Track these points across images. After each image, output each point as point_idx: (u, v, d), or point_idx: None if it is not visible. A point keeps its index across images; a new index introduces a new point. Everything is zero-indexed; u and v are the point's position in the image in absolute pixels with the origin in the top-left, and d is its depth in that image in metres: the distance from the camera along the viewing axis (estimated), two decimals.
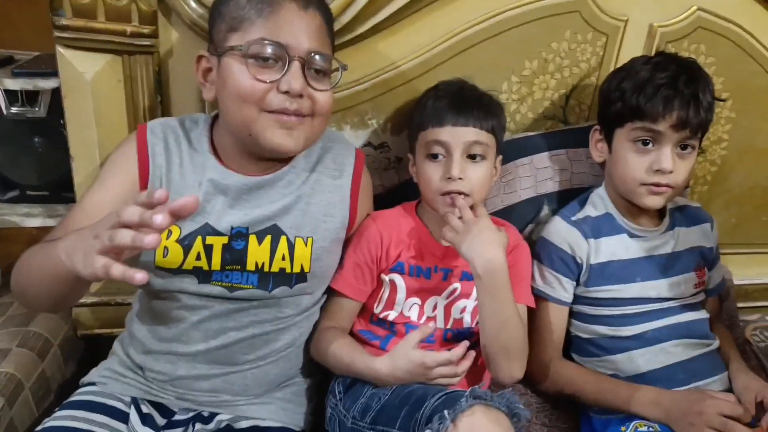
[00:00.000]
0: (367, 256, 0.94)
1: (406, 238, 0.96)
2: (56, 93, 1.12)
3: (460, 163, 0.90)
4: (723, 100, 1.15)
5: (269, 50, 0.78)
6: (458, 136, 0.90)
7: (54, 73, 1.10)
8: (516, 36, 1.08)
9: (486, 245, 0.85)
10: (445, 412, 0.69)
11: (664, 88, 0.92)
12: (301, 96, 0.79)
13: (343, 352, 0.88)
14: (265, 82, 0.78)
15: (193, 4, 0.92)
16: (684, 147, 0.95)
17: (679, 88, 0.92)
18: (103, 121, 0.99)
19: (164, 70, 0.99)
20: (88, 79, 0.96)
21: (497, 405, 0.71)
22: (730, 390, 0.98)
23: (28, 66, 1.18)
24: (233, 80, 0.79)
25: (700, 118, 0.93)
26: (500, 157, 0.99)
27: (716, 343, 1.04)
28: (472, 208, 0.89)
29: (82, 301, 1.08)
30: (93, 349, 1.13)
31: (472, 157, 0.91)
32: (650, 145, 0.95)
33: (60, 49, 0.95)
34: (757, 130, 1.30)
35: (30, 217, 1.19)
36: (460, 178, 0.89)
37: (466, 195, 0.90)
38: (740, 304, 1.49)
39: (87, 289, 0.94)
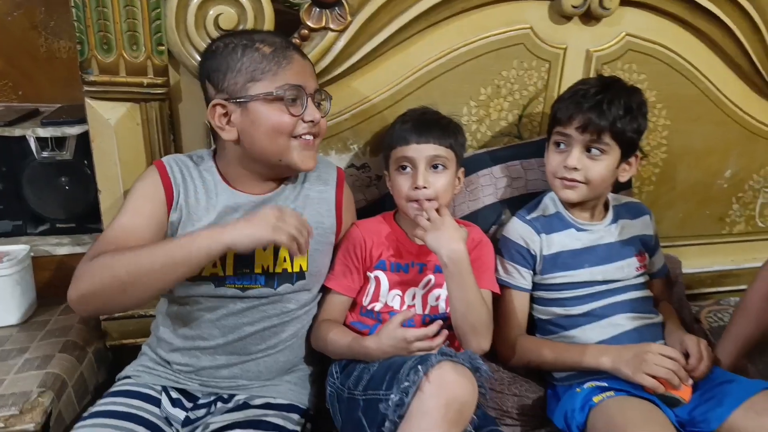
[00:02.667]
0: (354, 258, 1.11)
1: (385, 241, 1.14)
2: (80, 138, 1.31)
3: (424, 174, 1.08)
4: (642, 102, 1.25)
5: (294, 92, 0.98)
6: (421, 151, 1.09)
7: (78, 121, 1.29)
8: (471, 67, 1.27)
9: (450, 239, 1.03)
10: (419, 366, 0.86)
11: (577, 97, 1.11)
12: (317, 123, 1.01)
13: (339, 338, 1.05)
14: (295, 116, 0.98)
15: (197, 56, 1.10)
16: (591, 149, 1.11)
17: (588, 97, 1.10)
18: (124, 159, 1.17)
19: (175, 113, 1.18)
20: (112, 124, 1.14)
21: (461, 361, 0.88)
22: None
23: (54, 116, 1.37)
24: (268, 119, 0.97)
25: (603, 123, 1.08)
26: (462, 169, 1.17)
27: (659, 318, 1.20)
28: (437, 210, 1.07)
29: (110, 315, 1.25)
30: (120, 359, 1.28)
31: (434, 167, 1.09)
32: (562, 146, 1.14)
33: (88, 101, 1.13)
34: (690, 133, 1.48)
35: (60, 246, 1.37)
36: (425, 187, 1.07)
37: (432, 200, 1.08)
38: (697, 291, 1.67)
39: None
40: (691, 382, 1.05)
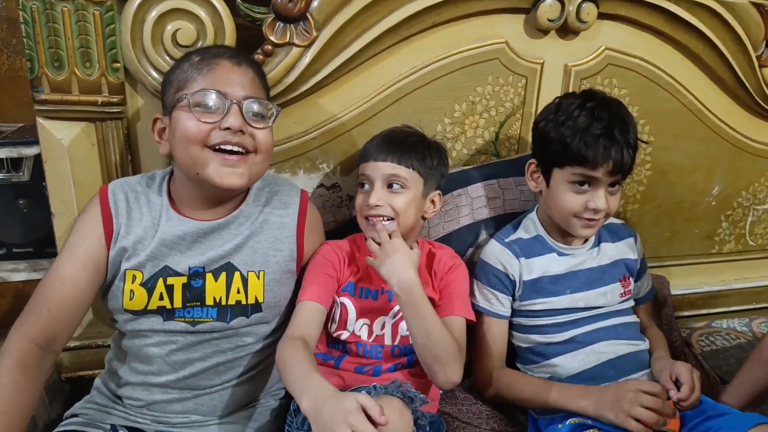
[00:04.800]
0: (330, 268, 1.05)
1: (356, 262, 1.08)
2: (38, 159, 1.26)
3: (379, 192, 1.03)
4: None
5: (210, 97, 0.90)
6: (378, 169, 1.04)
7: (36, 141, 1.22)
8: (444, 83, 1.22)
9: (399, 266, 0.97)
10: None
11: (602, 138, 1.00)
12: (242, 132, 0.91)
13: (289, 363, 0.90)
14: (209, 123, 0.90)
15: (154, 74, 1.06)
16: (613, 185, 1.05)
17: (616, 138, 1.01)
18: (79, 181, 1.11)
19: (133, 132, 1.12)
20: (65, 144, 1.08)
21: (392, 392, 0.83)
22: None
23: (12, 136, 1.32)
24: (181, 126, 0.90)
25: (630, 162, 1.03)
26: (438, 193, 1.10)
27: (645, 344, 1.14)
28: (394, 233, 1.01)
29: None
30: (78, 391, 1.21)
31: (390, 186, 1.04)
32: (586, 186, 1.04)
33: (40, 120, 1.07)
34: (674, 149, 1.44)
35: (16, 272, 1.30)
36: (378, 205, 1.02)
37: (391, 219, 1.03)
38: (686, 313, 1.62)
39: None
40: (678, 414, 0.99)
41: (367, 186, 1.06)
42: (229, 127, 0.90)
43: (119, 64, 1.05)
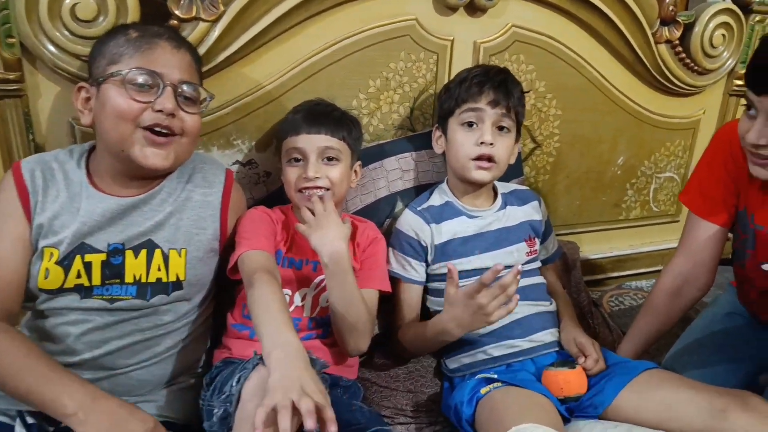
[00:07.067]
0: (270, 225, 1.06)
1: (284, 231, 1.09)
2: None
3: (315, 164, 1.05)
4: (527, 92, 1.31)
5: (145, 77, 0.90)
6: (312, 142, 1.06)
7: None
8: (357, 59, 1.24)
9: (332, 239, 1.00)
10: (239, 374, 0.80)
11: (480, 77, 1.14)
12: (173, 116, 0.92)
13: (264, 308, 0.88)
14: (141, 102, 0.90)
15: (53, 49, 1.02)
16: (501, 128, 1.14)
17: (493, 78, 1.14)
18: None
19: (33, 110, 1.08)
20: None
21: None
22: (559, 342, 1.15)
23: None
24: (112, 102, 0.90)
25: (509, 100, 1.13)
26: (359, 163, 1.16)
27: (552, 306, 1.21)
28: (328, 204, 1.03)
29: None
30: None
31: (326, 159, 1.07)
32: (474, 126, 1.13)
33: None
34: (581, 122, 1.52)
35: None
36: (317, 177, 1.04)
37: (327, 189, 1.05)
38: (598, 276, 1.72)
39: None
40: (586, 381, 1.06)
41: (300, 159, 1.07)
42: (161, 110, 0.90)
43: (14, 39, 1.01)
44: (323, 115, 1.09)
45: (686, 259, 1.12)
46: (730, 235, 1.13)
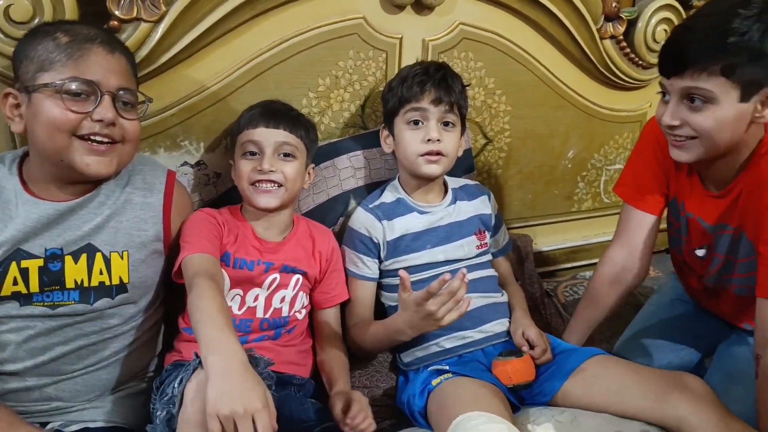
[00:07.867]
0: (214, 227, 1.05)
1: (233, 232, 1.08)
2: None
3: (271, 158, 1.05)
4: (467, 85, 1.31)
5: (81, 86, 0.88)
6: (269, 136, 1.06)
7: None
8: (305, 58, 1.24)
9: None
10: (181, 377, 0.81)
11: (421, 75, 1.15)
12: (113, 125, 0.90)
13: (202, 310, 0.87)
14: (78, 113, 0.88)
15: None
16: (446, 124, 1.16)
17: (433, 75, 1.15)
18: None
19: None
20: None
21: None
22: (508, 332, 1.18)
23: None
24: (46, 113, 0.87)
25: (451, 96, 1.15)
26: (313, 165, 1.16)
27: (504, 297, 1.24)
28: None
29: None
30: None
31: (285, 155, 1.07)
32: (420, 123, 1.15)
33: None
34: (531, 117, 1.55)
35: None
36: (272, 170, 1.04)
37: (279, 185, 1.06)
38: (552, 268, 1.76)
39: None
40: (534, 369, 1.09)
41: (255, 153, 1.07)
42: (101, 119, 0.89)
43: None
44: (281, 113, 1.10)
45: (622, 248, 1.16)
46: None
